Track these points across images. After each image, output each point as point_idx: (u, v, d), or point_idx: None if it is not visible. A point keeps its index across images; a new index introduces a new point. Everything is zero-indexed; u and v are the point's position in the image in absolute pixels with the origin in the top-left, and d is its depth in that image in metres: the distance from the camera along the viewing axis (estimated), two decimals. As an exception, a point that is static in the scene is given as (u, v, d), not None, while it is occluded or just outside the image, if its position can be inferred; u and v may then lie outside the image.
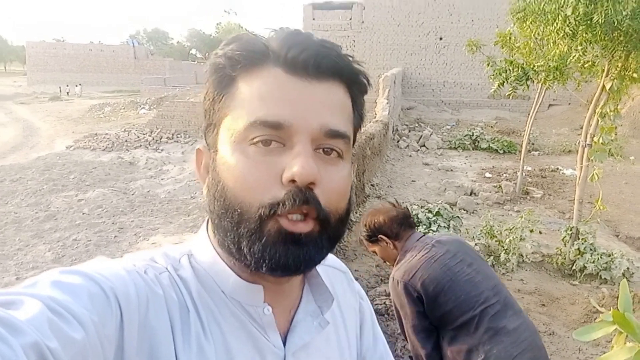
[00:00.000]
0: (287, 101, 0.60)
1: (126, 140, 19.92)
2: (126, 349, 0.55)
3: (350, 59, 0.66)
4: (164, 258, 0.68)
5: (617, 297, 4.08)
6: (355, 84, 0.67)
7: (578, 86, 8.04)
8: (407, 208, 2.45)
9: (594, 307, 4.72)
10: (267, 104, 0.60)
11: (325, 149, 0.63)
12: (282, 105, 0.60)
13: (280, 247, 0.60)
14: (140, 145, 19.31)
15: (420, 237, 2.30)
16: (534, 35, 6.40)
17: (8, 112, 33.02)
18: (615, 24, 4.71)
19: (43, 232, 9.19)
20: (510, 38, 9.01)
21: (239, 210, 0.61)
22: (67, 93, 44.00)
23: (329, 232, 0.64)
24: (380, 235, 2.32)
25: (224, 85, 0.64)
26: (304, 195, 0.59)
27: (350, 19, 26.06)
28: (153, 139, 20.21)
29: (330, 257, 0.86)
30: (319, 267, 0.76)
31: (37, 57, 53.80)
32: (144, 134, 21.02)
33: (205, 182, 0.68)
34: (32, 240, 8.81)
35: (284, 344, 0.70)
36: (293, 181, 0.59)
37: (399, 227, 2.30)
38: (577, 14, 4.78)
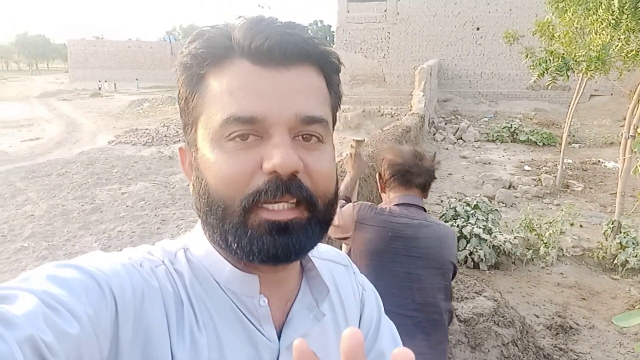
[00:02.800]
0: (258, 94, 0.60)
1: (165, 135, 20.40)
2: (121, 342, 0.55)
3: (316, 40, 0.64)
4: (160, 251, 0.68)
5: (661, 291, 4.00)
6: (326, 64, 0.66)
7: (620, 75, 7.85)
8: (431, 165, 2.07)
9: (637, 300, 4.66)
10: (238, 99, 0.60)
11: (304, 136, 0.62)
12: (253, 99, 0.60)
13: (267, 238, 0.60)
14: (179, 140, 19.73)
15: (409, 205, 2.01)
16: (574, 24, 6.30)
17: (52, 108, 34.16)
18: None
19: (89, 224, 9.57)
20: (549, 27, 8.86)
21: (222, 205, 0.61)
22: (99, 89, 45.88)
23: (318, 216, 0.63)
24: (377, 173, 2.13)
25: (194, 84, 0.64)
26: (285, 185, 0.59)
27: (385, 11, 25.88)
28: (190, 133, 20.61)
29: (332, 252, 0.87)
30: (320, 263, 0.77)
31: (77, 55, 55.33)
32: (182, 129, 21.48)
33: (191, 180, 0.68)
34: (79, 231, 9.18)
35: (279, 337, 0.69)
36: (274, 172, 0.59)
37: (390, 175, 2.04)
38: (623, 2, 4.69)
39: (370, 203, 2.05)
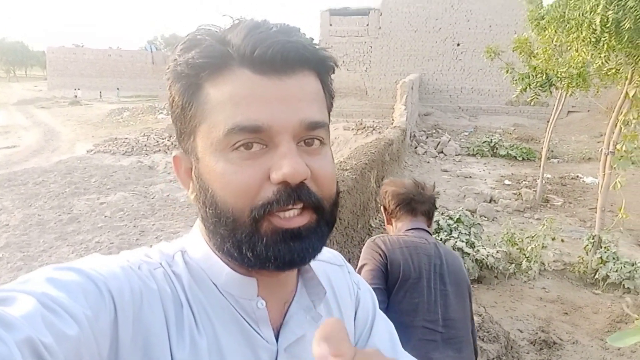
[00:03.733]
0: (262, 103, 0.59)
1: (145, 145, 20.18)
2: (121, 344, 0.56)
3: (316, 45, 0.64)
4: (158, 254, 0.68)
5: (643, 306, 4.01)
6: (323, 68, 0.66)
7: (597, 92, 8.01)
8: (432, 194, 2.12)
9: (620, 315, 4.70)
10: (242, 108, 0.59)
11: (307, 140, 0.63)
12: (258, 108, 0.59)
13: (282, 245, 0.60)
14: (159, 150, 19.53)
15: (420, 229, 2.06)
16: (553, 42, 6.39)
17: (29, 116, 33.61)
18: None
19: (66, 235, 9.35)
20: (527, 44, 9.01)
21: (231, 217, 0.61)
22: (75, 96, 45.56)
23: (326, 217, 0.65)
24: (382, 206, 2.18)
25: (191, 93, 0.62)
26: (295, 193, 0.60)
27: (367, 25, 26.14)
28: (172, 143, 20.42)
29: (327, 253, 0.87)
30: (314, 264, 0.76)
31: (57, 62, 54.61)
32: (162, 139, 21.27)
33: (189, 188, 0.68)
34: (55, 242, 8.96)
35: (277, 338, 0.69)
36: (284, 181, 0.59)
37: (396, 205, 2.09)
38: (605, 21, 4.77)
39: (385, 235, 2.06)
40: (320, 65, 0.65)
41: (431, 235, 2.08)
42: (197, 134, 0.63)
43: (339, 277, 0.86)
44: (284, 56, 0.60)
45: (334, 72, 0.69)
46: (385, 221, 2.19)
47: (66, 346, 0.47)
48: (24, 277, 0.53)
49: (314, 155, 0.63)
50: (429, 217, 2.11)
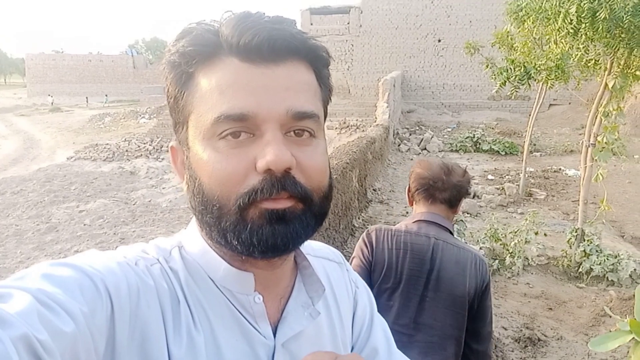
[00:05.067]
0: (248, 91, 0.59)
1: (127, 150, 19.94)
2: (118, 340, 0.55)
3: (305, 35, 0.64)
4: (155, 250, 0.68)
5: (626, 300, 4.01)
6: (315, 58, 0.66)
7: (578, 85, 7.99)
8: (458, 182, 1.93)
9: (603, 310, 4.65)
10: (228, 97, 0.59)
11: (296, 131, 0.62)
12: (243, 96, 0.59)
13: (267, 228, 0.60)
14: (141, 155, 19.31)
15: (430, 222, 1.93)
16: (532, 34, 6.36)
17: (9, 124, 33.10)
18: (622, 18, 4.64)
19: (44, 244, 9.14)
20: (507, 37, 8.99)
21: (217, 205, 0.61)
22: (52, 103, 44.98)
23: (314, 210, 0.64)
24: (408, 186, 2.07)
25: (183, 82, 0.63)
26: (280, 182, 0.59)
27: (348, 23, 26.09)
28: (154, 148, 20.22)
29: (326, 249, 0.88)
30: (314, 260, 0.78)
31: (36, 69, 53.93)
32: (144, 144, 21.04)
33: (183, 179, 0.68)
34: (33, 252, 8.76)
35: (274, 334, 0.69)
36: (269, 170, 0.59)
37: (415, 189, 1.97)
38: (581, 10, 4.72)
39: (384, 226, 2.00)
40: (311, 55, 0.65)
41: (449, 230, 1.93)
42: (189, 124, 0.64)
43: (338, 275, 0.85)
44: (271, 44, 0.60)
45: (329, 64, 0.69)
46: (408, 202, 2.08)
47: (62, 343, 0.47)
48: (20, 273, 0.53)
49: (303, 147, 0.62)
50: (450, 205, 1.94)
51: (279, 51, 0.61)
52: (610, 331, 1.55)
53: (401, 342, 1.60)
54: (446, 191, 1.92)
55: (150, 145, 20.60)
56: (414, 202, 2.02)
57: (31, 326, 0.45)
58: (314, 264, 0.76)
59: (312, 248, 0.82)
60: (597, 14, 4.67)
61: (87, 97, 49.14)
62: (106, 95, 49.30)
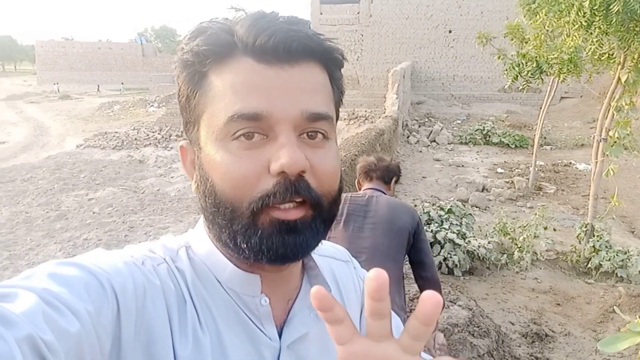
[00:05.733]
0: (263, 91, 0.59)
1: (136, 139, 20.01)
2: (124, 339, 0.55)
3: (321, 36, 0.64)
4: (162, 249, 0.67)
5: (635, 297, 3.97)
6: (330, 60, 0.66)
7: (590, 78, 7.89)
8: (387, 166, 2.80)
9: (612, 306, 4.62)
10: (242, 96, 0.59)
11: (310, 133, 0.62)
12: (258, 96, 0.59)
13: (277, 238, 0.60)
14: (150, 144, 19.38)
15: (373, 189, 2.71)
16: (545, 27, 6.27)
17: (19, 111, 33.30)
18: (636, 11, 4.57)
19: (54, 232, 9.23)
20: (519, 30, 8.88)
21: (230, 207, 0.60)
22: (58, 90, 45.13)
23: (323, 215, 0.63)
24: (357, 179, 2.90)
25: (196, 82, 0.63)
26: (294, 186, 0.59)
27: (358, 13, 25.89)
28: (162, 136, 20.27)
29: (332, 248, 0.88)
30: (320, 260, 0.78)
31: (46, 56, 54.13)
32: (153, 132, 21.09)
33: (193, 178, 0.67)
34: (43, 240, 8.84)
35: (280, 335, 0.69)
36: (282, 172, 0.58)
37: (359, 174, 2.84)
38: (594, 3, 4.65)
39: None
40: (326, 57, 0.65)
41: (385, 193, 2.70)
42: (201, 124, 0.63)
43: (345, 273, 0.85)
44: (287, 45, 0.59)
45: (342, 66, 0.68)
46: (357, 188, 2.86)
47: (67, 343, 0.47)
48: (27, 272, 0.53)
49: (316, 149, 0.62)
50: (384, 181, 2.76)
51: (295, 52, 0.60)
52: (619, 329, 1.54)
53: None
54: (378, 171, 2.77)
55: (159, 134, 20.65)
56: (360, 185, 2.82)
57: (36, 326, 0.45)
58: (320, 264, 0.76)
59: (319, 247, 0.80)
60: (611, 7, 4.59)
61: (98, 85, 49.28)
62: (122, 83, 49.36)
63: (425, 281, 2.52)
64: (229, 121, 0.59)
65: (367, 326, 0.46)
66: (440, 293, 2.25)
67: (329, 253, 0.85)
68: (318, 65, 0.64)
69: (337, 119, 0.70)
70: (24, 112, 32.56)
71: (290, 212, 0.60)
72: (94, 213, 10.33)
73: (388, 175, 2.80)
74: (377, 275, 0.41)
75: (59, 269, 0.54)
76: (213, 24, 0.63)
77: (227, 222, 0.61)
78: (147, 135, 20.67)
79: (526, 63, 5.98)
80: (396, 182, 2.93)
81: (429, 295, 0.41)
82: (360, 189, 2.83)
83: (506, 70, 6.24)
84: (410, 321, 0.44)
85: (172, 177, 13.72)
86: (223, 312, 0.65)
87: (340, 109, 0.72)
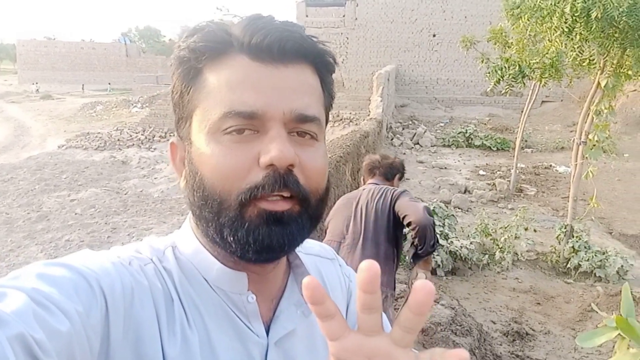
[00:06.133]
0: (257, 89, 0.60)
1: (118, 139, 19.83)
2: (112, 339, 0.56)
3: (315, 39, 0.66)
4: (148, 250, 0.68)
5: (612, 296, 4.06)
6: (322, 64, 0.67)
7: (570, 82, 8.03)
8: (390, 163, 3.11)
9: (590, 306, 4.72)
10: (237, 93, 0.60)
11: (299, 132, 0.63)
12: (252, 94, 0.60)
13: (264, 229, 0.60)
14: (133, 144, 19.23)
15: (375, 183, 3.02)
16: (528, 32, 6.38)
17: (-1, 111, 32.75)
18: (615, 18, 4.68)
19: (35, 233, 9.11)
20: (502, 34, 9.00)
21: (218, 199, 0.61)
22: (37, 90, 44.51)
23: (310, 212, 0.64)
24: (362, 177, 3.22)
25: (190, 78, 0.64)
26: (283, 179, 0.60)
27: (344, 16, 25.98)
28: (146, 137, 20.12)
29: (317, 247, 0.88)
30: (306, 258, 0.78)
31: (28, 56, 53.38)
32: (136, 133, 20.92)
33: (182, 175, 0.68)
34: (24, 241, 8.73)
35: (267, 333, 0.69)
36: (271, 165, 0.59)
37: (364, 172, 3.16)
38: (575, 9, 4.76)
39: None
40: (318, 60, 0.66)
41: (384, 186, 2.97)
42: (193, 119, 0.64)
43: (331, 271, 0.86)
44: (281, 45, 0.61)
45: (334, 71, 0.69)
46: (363, 184, 3.15)
47: (58, 342, 0.47)
48: (14, 273, 0.53)
49: (304, 147, 0.63)
50: (386, 177, 3.07)
51: (289, 53, 0.62)
52: (597, 327, 1.59)
53: (335, 248, 2.78)
54: (381, 168, 3.06)
55: (142, 134, 20.50)
56: (365, 183, 3.09)
57: (27, 325, 0.45)
58: (305, 262, 0.76)
59: (304, 246, 0.79)
60: (591, 13, 4.70)
61: (83, 85, 48.68)
62: (109, 84, 48.75)
63: (416, 229, 2.67)
64: (224, 116, 0.60)
65: (359, 320, 0.46)
66: (432, 235, 2.69)
67: (314, 251, 0.86)
68: (310, 67, 0.65)
69: (326, 123, 0.71)
70: (4, 112, 32.06)
71: (278, 204, 0.61)
72: (76, 214, 10.23)
73: (390, 172, 3.07)
74: (369, 267, 0.41)
75: (48, 270, 0.54)
76: (210, 23, 0.64)
77: (215, 216, 0.61)
78: (130, 136, 20.51)
79: (509, 67, 6.08)
80: (400, 178, 3.19)
81: (421, 284, 0.41)
82: (365, 184, 3.12)
83: (489, 73, 6.33)
84: (402, 313, 0.44)
85: (155, 179, 13.63)
86: (211, 310, 0.66)
87: (329, 114, 0.73)
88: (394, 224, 2.84)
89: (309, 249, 0.84)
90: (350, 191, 7.87)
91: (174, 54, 0.66)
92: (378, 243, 2.83)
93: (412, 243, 2.77)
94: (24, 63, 53.43)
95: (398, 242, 2.93)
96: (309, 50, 0.64)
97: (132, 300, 0.59)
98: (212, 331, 0.65)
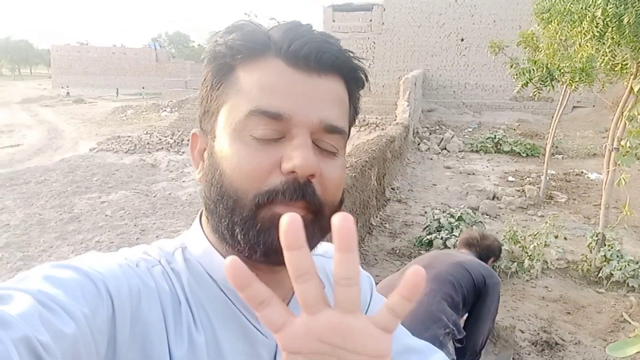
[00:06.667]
0: (288, 93, 0.61)
1: (148, 143, 20.15)
2: (119, 342, 0.56)
3: (351, 54, 0.67)
4: (157, 251, 0.68)
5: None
6: (353, 79, 0.68)
7: (602, 87, 7.87)
8: (488, 245, 3.12)
9: (622, 316, 4.60)
10: (267, 94, 0.61)
11: (322, 143, 0.63)
12: (282, 97, 0.61)
13: (275, 232, 0.59)
14: (162, 148, 19.51)
15: (462, 253, 3.05)
16: (558, 36, 6.29)
17: (33, 114, 33.66)
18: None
19: (67, 234, 9.33)
20: (532, 38, 8.88)
21: (234, 197, 0.61)
22: (68, 93, 45.57)
23: (322, 222, 0.64)
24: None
25: (223, 73, 0.65)
26: (302, 189, 0.60)
27: (371, 21, 25.96)
28: (174, 141, 20.39)
29: (323, 247, 0.88)
30: (316, 259, 0.77)
31: (61, 60, 54.77)
32: (165, 137, 21.23)
33: (198, 167, 0.69)
34: (56, 241, 8.94)
35: None
36: (293, 172, 0.59)
37: (460, 243, 3.21)
38: (606, 14, 4.67)
39: None
40: (350, 75, 0.67)
41: (470, 256, 2.98)
42: (220, 114, 0.65)
43: None
44: (319, 56, 0.62)
45: (363, 87, 0.71)
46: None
47: (63, 344, 0.47)
48: (21, 275, 0.54)
49: (325, 159, 0.64)
50: (481, 257, 3.02)
51: (325, 64, 0.63)
52: (629, 337, 1.55)
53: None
54: (479, 247, 3.06)
55: (171, 138, 20.80)
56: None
57: (32, 327, 0.45)
58: (317, 263, 0.76)
59: None
60: (623, 18, 4.60)
61: (117, 89, 49.67)
62: (143, 88, 49.59)
63: (458, 343, 2.64)
64: (250, 115, 0.61)
65: (336, 295, 0.45)
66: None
67: (319, 251, 0.86)
68: (342, 81, 0.66)
69: (348, 137, 0.71)
70: (38, 115, 32.92)
71: (292, 209, 0.60)
72: (106, 216, 10.43)
73: (487, 254, 3.07)
74: (417, 272, 0.41)
75: (54, 272, 0.54)
76: (249, 22, 0.65)
77: (228, 213, 0.62)
78: (160, 139, 20.82)
79: (537, 70, 5.99)
80: (494, 262, 3.19)
81: (414, 270, 0.41)
82: None
83: (516, 75, 6.25)
84: (391, 296, 0.43)
85: (183, 182, 13.81)
86: (219, 312, 0.66)
87: (352, 129, 0.73)
88: (462, 297, 2.70)
89: (316, 250, 0.83)
90: (376, 196, 7.90)
91: (208, 47, 0.66)
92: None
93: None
94: (58, 68, 54.83)
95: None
96: (344, 64, 0.65)
97: (139, 301, 0.59)
98: (219, 332, 0.65)
